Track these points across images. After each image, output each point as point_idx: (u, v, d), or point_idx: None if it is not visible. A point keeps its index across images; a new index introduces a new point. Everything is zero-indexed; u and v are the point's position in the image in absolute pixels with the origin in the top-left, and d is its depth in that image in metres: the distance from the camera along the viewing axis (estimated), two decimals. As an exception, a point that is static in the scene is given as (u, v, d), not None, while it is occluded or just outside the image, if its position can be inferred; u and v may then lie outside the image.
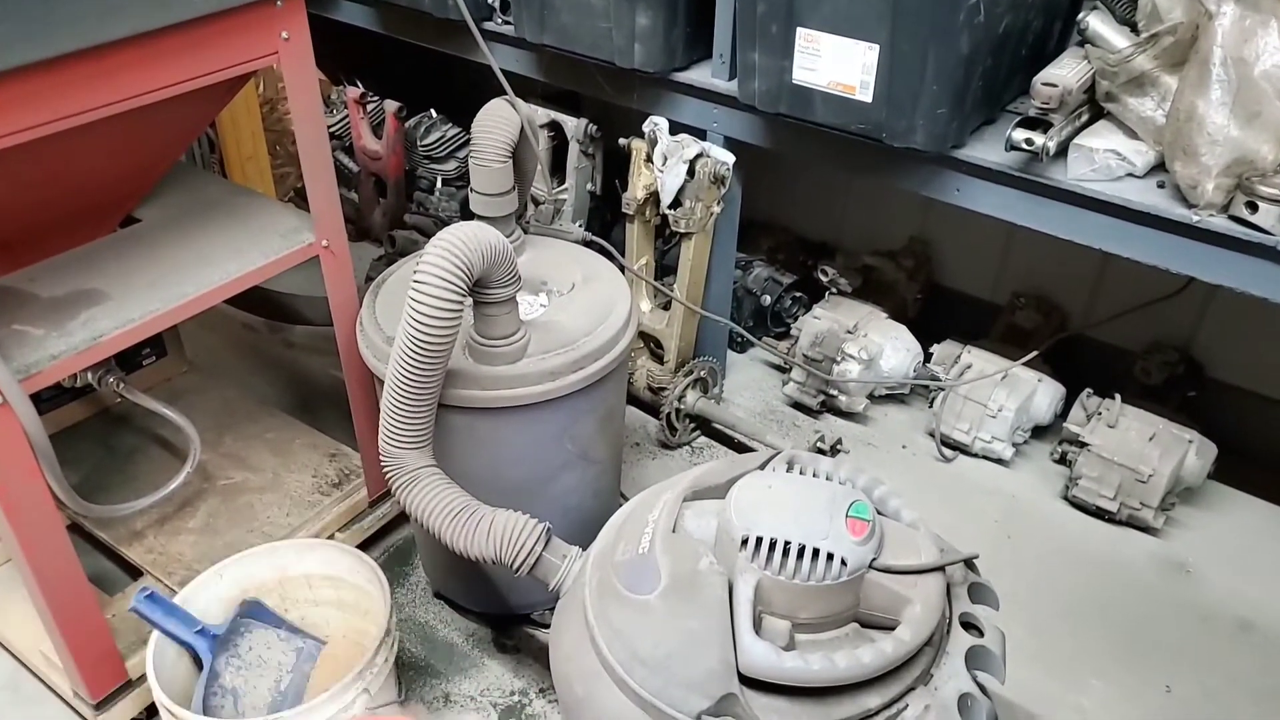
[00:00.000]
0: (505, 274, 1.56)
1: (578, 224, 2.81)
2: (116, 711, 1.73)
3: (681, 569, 1.36)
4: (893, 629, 1.30)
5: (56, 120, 1.33)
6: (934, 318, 2.72)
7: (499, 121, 1.84)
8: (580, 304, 1.81)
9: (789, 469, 1.46)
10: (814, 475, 1.45)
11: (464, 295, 1.48)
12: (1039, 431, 2.54)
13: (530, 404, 1.66)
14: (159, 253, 1.74)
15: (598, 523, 1.56)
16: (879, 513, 1.43)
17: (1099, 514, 2.33)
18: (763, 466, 1.48)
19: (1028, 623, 2.08)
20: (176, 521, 2.02)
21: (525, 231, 2.01)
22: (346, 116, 3.38)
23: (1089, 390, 2.40)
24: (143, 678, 1.67)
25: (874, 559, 1.33)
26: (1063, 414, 2.44)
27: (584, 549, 1.54)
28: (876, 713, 1.29)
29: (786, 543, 1.30)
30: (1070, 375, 2.48)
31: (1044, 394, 2.46)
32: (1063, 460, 2.45)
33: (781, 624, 1.31)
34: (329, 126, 3.41)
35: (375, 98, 3.30)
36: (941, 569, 1.38)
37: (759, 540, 1.31)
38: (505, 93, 1.91)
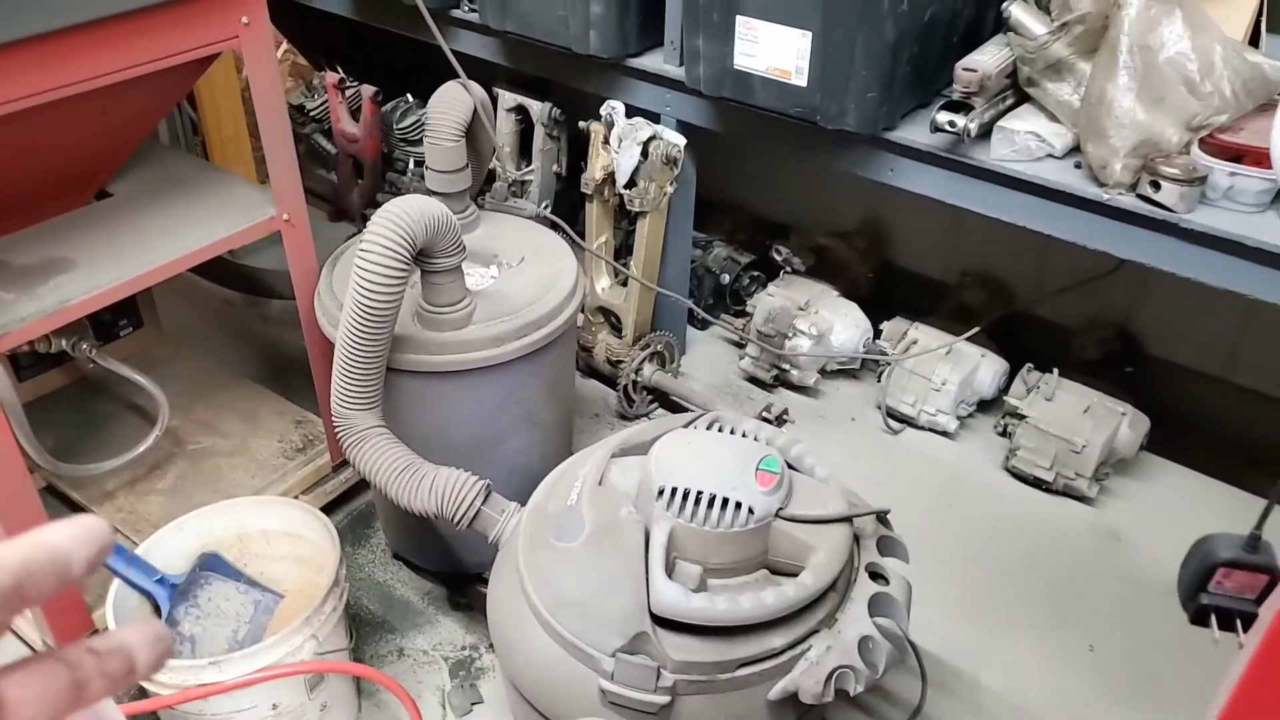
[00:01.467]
0: (449, 244, 1.66)
1: (544, 205, 2.90)
2: (86, 658, 1.83)
3: (604, 518, 1.47)
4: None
5: (22, 98, 1.43)
6: (886, 296, 2.82)
7: (452, 103, 1.93)
8: (528, 276, 1.91)
9: (710, 427, 1.56)
10: (732, 433, 1.55)
11: (407, 263, 1.58)
12: (984, 406, 2.64)
13: (476, 369, 1.76)
14: (127, 224, 1.84)
15: (543, 483, 1.66)
16: (792, 468, 1.53)
17: (1037, 484, 2.43)
18: (687, 425, 1.58)
19: (962, 583, 2.19)
20: (146, 483, 2.12)
21: (480, 208, 2.10)
22: (326, 100, 3.46)
23: (1029, 365, 2.49)
24: (108, 628, 1.77)
25: (781, 509, 1.43)
26: (1006, 389, 2.54)
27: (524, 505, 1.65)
28: (781, 652, 1.39)
29: (699, 493, 1.40)
30: (1013, 351, 2.58)
31: (987, 369, 2.55)
32: (1004, 433, 2.55)
33: (693, 568, 1.41)
34: (310, 110, 3.51)
35: (354, 83, 3.38)
36: (848, 520, 1.48)
37: (674, 490, 1.41)
38: (462, 75, 2.00)
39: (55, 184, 1.82)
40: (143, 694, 1.62)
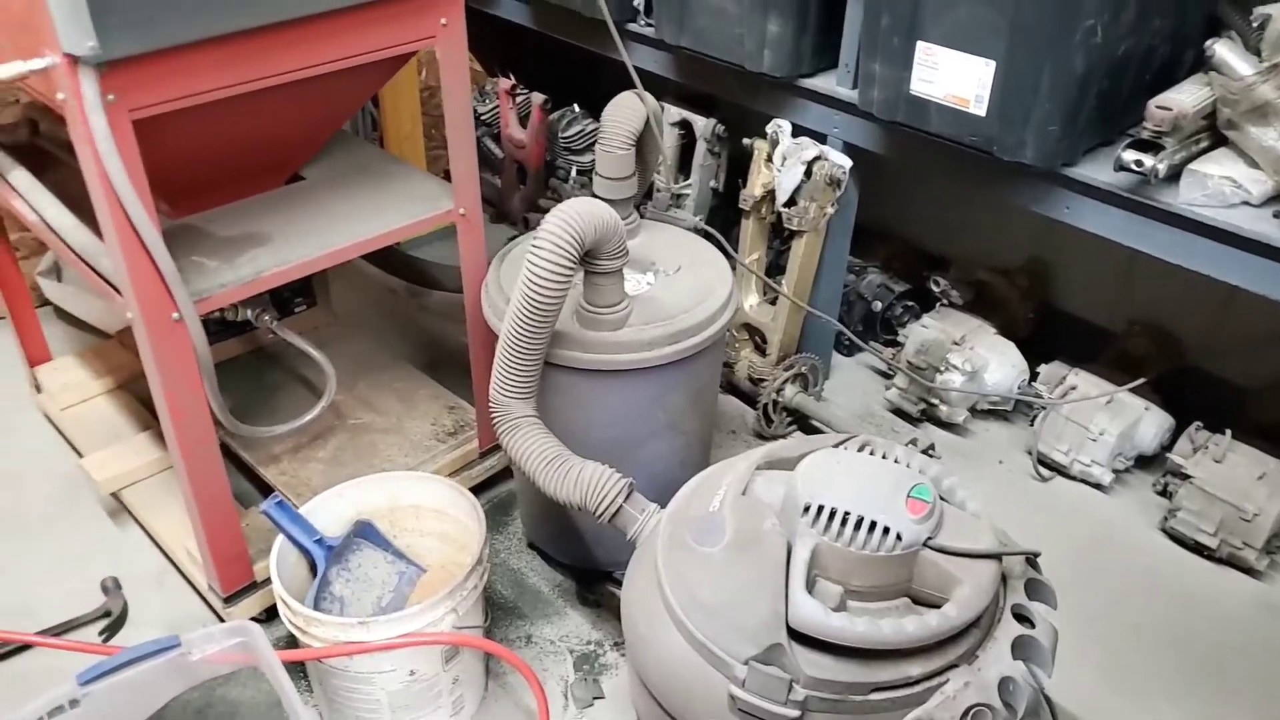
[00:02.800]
0: (614, 248, 1.70)
1: (698, 217, 2.93)
2: (242, 607, 1.96)
3: (746, 527, 1.47)
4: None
5: (252, 81, 1.56)
6: (1045, 338, 2.72)
7: (626, 112, 1.98)
8: (683, 284, 1.94)
9: (861, 449, 1.55)
10: (884, 458, 1.53)
11: (575, 262, 1.63)
12: (1143, 462, 2.51)
13: (627, 369, 1.80)
14: (317, 207, 1.96)
15: (680, 490, 1.68)
16: (944, 500, 1.50)
17: (1197, 549, 2.29)
18: (837, 445, 1.57)
19: (1106, 644, 2.08)
20: (308, 451, 2.25)
21: (642, 216, 2.15)
22: (497, 106, 3.61)
23: (1198, 424, 2.36)
24: (267, 581, 1.88)
25: (930, 538, 1.40)
26: (1169, 446, 2.41)
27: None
28: (917, 681, 1.36)
29: (846, 513, 1.39)
30: (1181, 407, 2.44)
31: (1150, 423, 2.43)
32: (1164, 493, 2.41)
33: (834, 588, 1.40)
34: (481, 114, 3.66)
35: (524, 90, 3.52)
36: (997, 557, 1.44)
37: (820, 508, 1.40)
38: (639, 85, 2.06)
39: (258, 166, 1.96)
40: (294, 644, 1.73)
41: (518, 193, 3.67)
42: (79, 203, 1.85)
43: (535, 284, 1.62)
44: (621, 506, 1.64)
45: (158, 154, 1.54)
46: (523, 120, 3.55)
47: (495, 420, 1.77)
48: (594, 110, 3.55)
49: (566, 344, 1.80)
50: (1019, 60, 1.81)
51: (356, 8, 1.63)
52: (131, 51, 1.40)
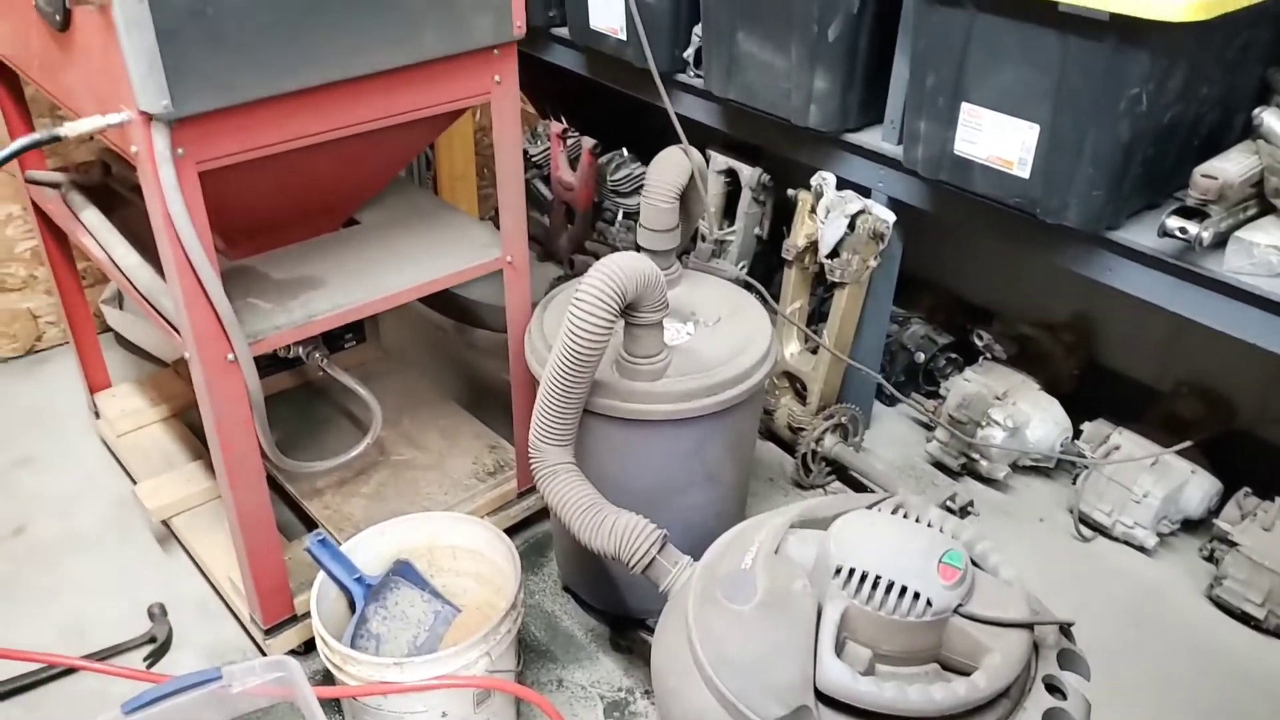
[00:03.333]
0: (654, 301, 1.74)
1: (740, 265, 2.97)
2: (282, 639, 2.01)
3: (777, 587, 1.48)
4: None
5: (314, 135, 1.63)
6: (1089, 395, 2.69)
7: (672, 167, 2.03)
8: (723, 336, 1.96)
9: (894, 512, 1.55)
10: (917, 521, 1.53)
11: (615, 315, 1.67)
12: (1189, 526, 2.46)
13: (665, 420, 1.82)
14: (371, 251, 2.03)
15: (714, 541, 1.70)
16: (976, 565, 1.50)
17: (1244, 619, 2.24)
18: (871, 506, 1.58)
19: (1144, 713, 2.04)
20: (352, 485, 2.31)
21: (684, 266, 2.18)
22: (548, 148, 3.68)
23: (1247, 490, 2.32)
24: (307, 614, 1.93)
25: (960, 605, 1.40)
26: (1216, 511, 2.37)
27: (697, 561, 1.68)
28: (944, 751, 1.35)
29: (877, 577, 1.40)
30: (1229, 472, 2.40)
31: (1197, 486, 2.39)
32: (1210, 558, 2.37)
33: (863, 651, 1.40)
34: (532, 156, 3.73)
35: (575, 133, 3.59)
36: (1029, 626, 1.43)
37: (851, 571, 1.41)
38: (684, 140, 2.10)
39: (315, 211, 2.03)
40: (331, 679, 1.76)
41: (565, 232, 3.73)
42: (143, 241, 1.93)
43: (576, 335, 1.66)
44: (654, 558, 1.66)
45: (220, 200, 1.61)
46: (572, 163, 3.61)
47: (533, 466, 1.80)
48: (642, 154, 3.60)
49: (606, 393, 1.83)
50: (1063, 125, 1.82)
51: (415, 66, 1.69)
52: (201, 109, 1.47)
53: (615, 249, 3.36)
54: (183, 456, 2.50)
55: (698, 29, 2.65)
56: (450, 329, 3.24)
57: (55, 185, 2.23)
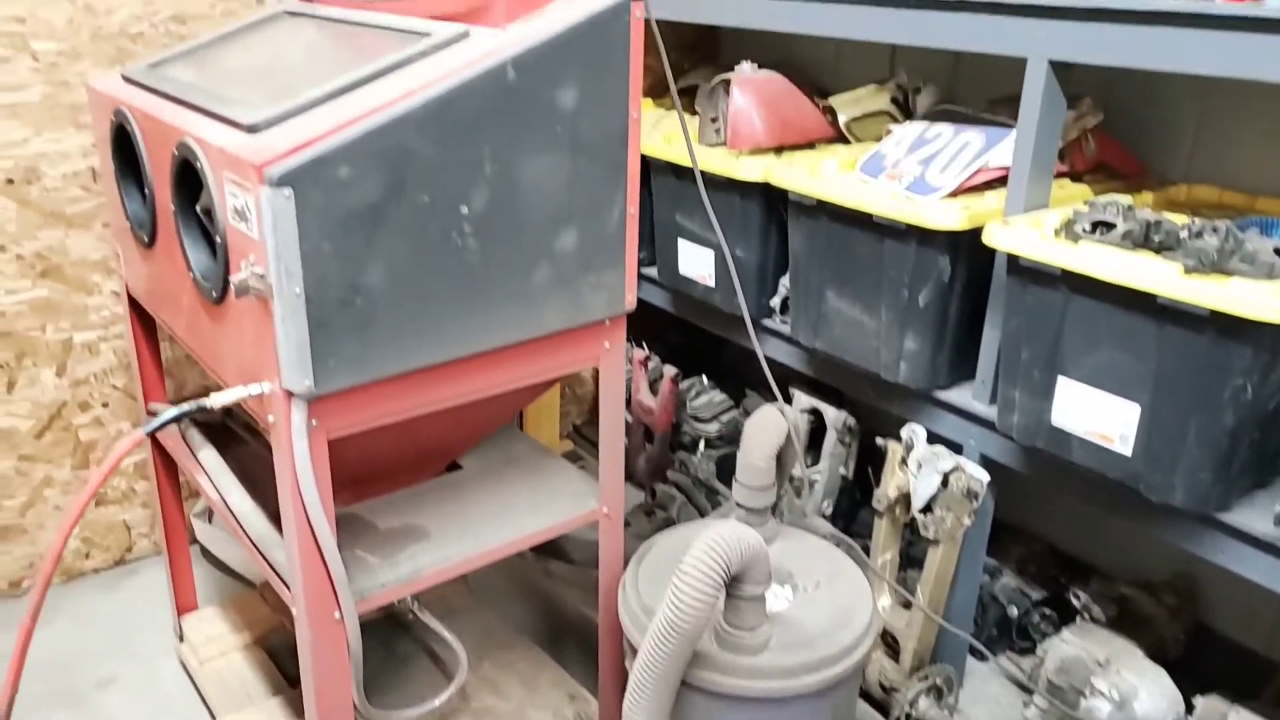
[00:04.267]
0: (759, 574, 1.73)
1: (825, 503, 2.96)
2: None
3: None
4: None
5: (442, 401, 1.72)
6: (1200, 663, 2.56)
7: (768, 427, 2.07)
8: (823, 603, 1.93)
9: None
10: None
11: (720, 589, 1.66)
12: (1319, 818, 2.27)
13: (765, 698, 1.78)
14: (473, 500, 2.08)
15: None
16: None
17: None
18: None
19: None
20: (433, 734, 2.26)
21: (779, 521, 2.18)
22: (630, 372, 3.80)
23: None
24: None
25: None
26: (1349, 805, 2.18)
27: None
28: None
29: None
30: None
31: (1325, 777, 2.22)
32: None
33: None
34: (614, 380, 3.84)
35: (656, 359, 3.70)
36: None
37: None
38: (773, 381, 2.15)
39: (425, 458, 2.11)
40: None
41: (642, 453, 3.78)
42: (254, 479, 2.01)
43: (680, 610, 1.65)
44: None
45: (337, 456, 1.68)
46: (653, 386, 3.71)
47: (628, 739, 1.75)
48: (721, 382, 3.69)
49: (704, 664, 1.79)
50: (1164, 408, 1.83)
51: (535, 340, 1.79)
52: (339, 387, 1.56)
53: (698, 480, 3.38)
54: (262, 689, 2.48)
55: (784, 279, 2.77)
56: (529, 556, 3.24)
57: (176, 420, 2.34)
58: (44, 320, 2.87)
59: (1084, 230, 1.98)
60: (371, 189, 1.48)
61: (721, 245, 2.37)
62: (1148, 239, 1.92)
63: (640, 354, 3.72)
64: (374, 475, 2.04)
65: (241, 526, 1.94)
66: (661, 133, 2.98)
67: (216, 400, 1.59)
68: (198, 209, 1.68)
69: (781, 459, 2.15)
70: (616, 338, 1.95)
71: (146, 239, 1.96)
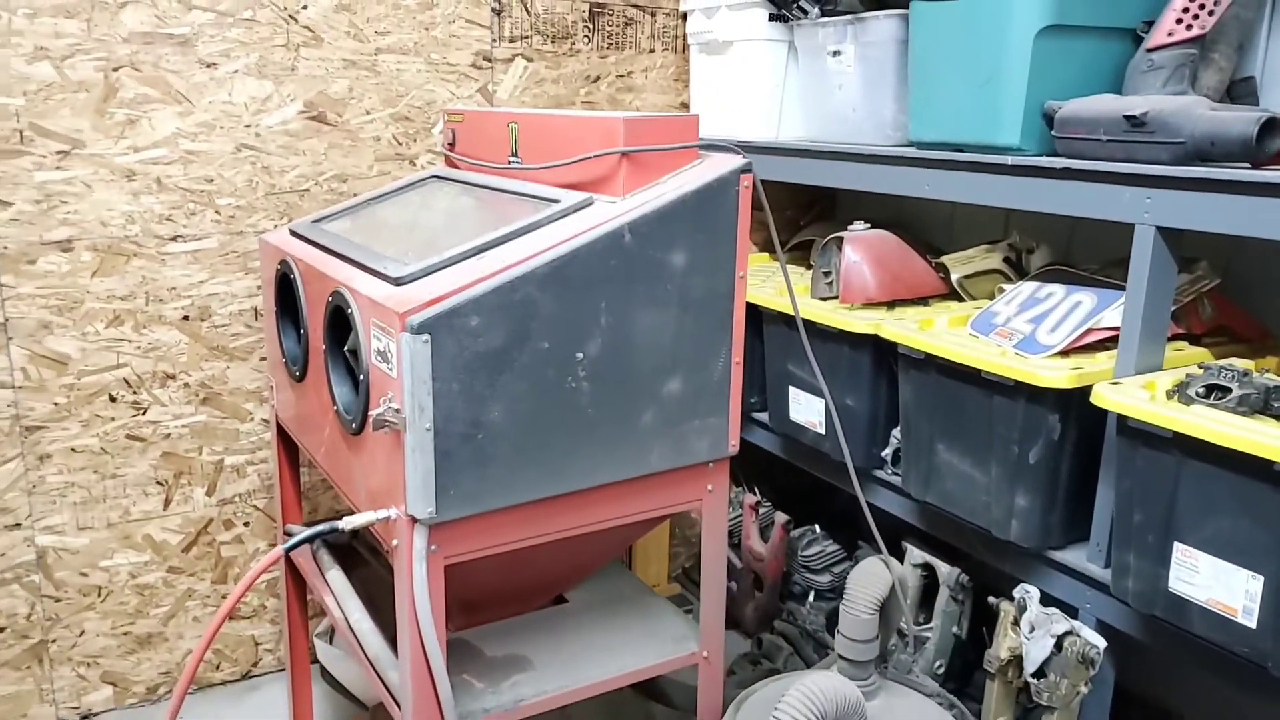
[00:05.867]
0: (855, 728, 1.72)
1: (937, 664, 2.87)
2: None
3: None
4: None
5: (551, 533, 1.82)
6: None
7: (873, 579, 2.08)
8: (924, 767, 1.89)
9: None
10: None
11: (814, 741, 1.66)
12: None
13: None
14: (576, 635, 2.14)
15: None
16: None
17: None
18: None
19: None
20: None
21: (883, 676, 2.15)
22: (740, 516, 3.82)
23: None
24: None
25: None
26: None
27: None
28: None
29: None
30: None
31: None
32: None
33: None
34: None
35: (768, 505, 3.72)
36: None
37: None
38: (876, 530, 2.17)
39: (535, 590, 2.20)
40: None
41: (751, 601, 3.75)
42: (376, 604, 2.13)
43: (773, 759, 1.65)
44: None
45: (452, 583, 1.79)
46: (764, 533, 3.72)
47: None
48: (834, 532, 3.67)
49: (797, 819, 1.77)
50: (1290, 580, 1.76)
51: (640, 479, 1.88)
52: (457, 516, 1.68)
53: (806, 631, 3.34)
54: (367, 814, 2.54)
55: (896, 431, 2.80)
56: (629, 695, 3.24)
57: (309, 542, 2.52)
58: (201, 443, 3.14)
59: (1197, 394, 1.97)
60: (497, 336, 1.64)
61: (824, 392, 2.44)
62: (1267, 405, 1.90)
63: (751, 499, 3.75)
64: (485, 602, 2.14)
65: (360, 645, 2.06)
66: (775, 285, 3.11)
67: (348, 523, 1.73)
68: (345, 350, 1.88)
69: (887, 613, 2.14)
70: (719, 480, 2.02)
71: (298, 374, 2.18)
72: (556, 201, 1.86)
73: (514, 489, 1.73)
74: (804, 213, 3.93)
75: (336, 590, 2.26)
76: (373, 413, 1.65)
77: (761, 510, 3.75)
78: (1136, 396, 2.00)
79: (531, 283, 1.65)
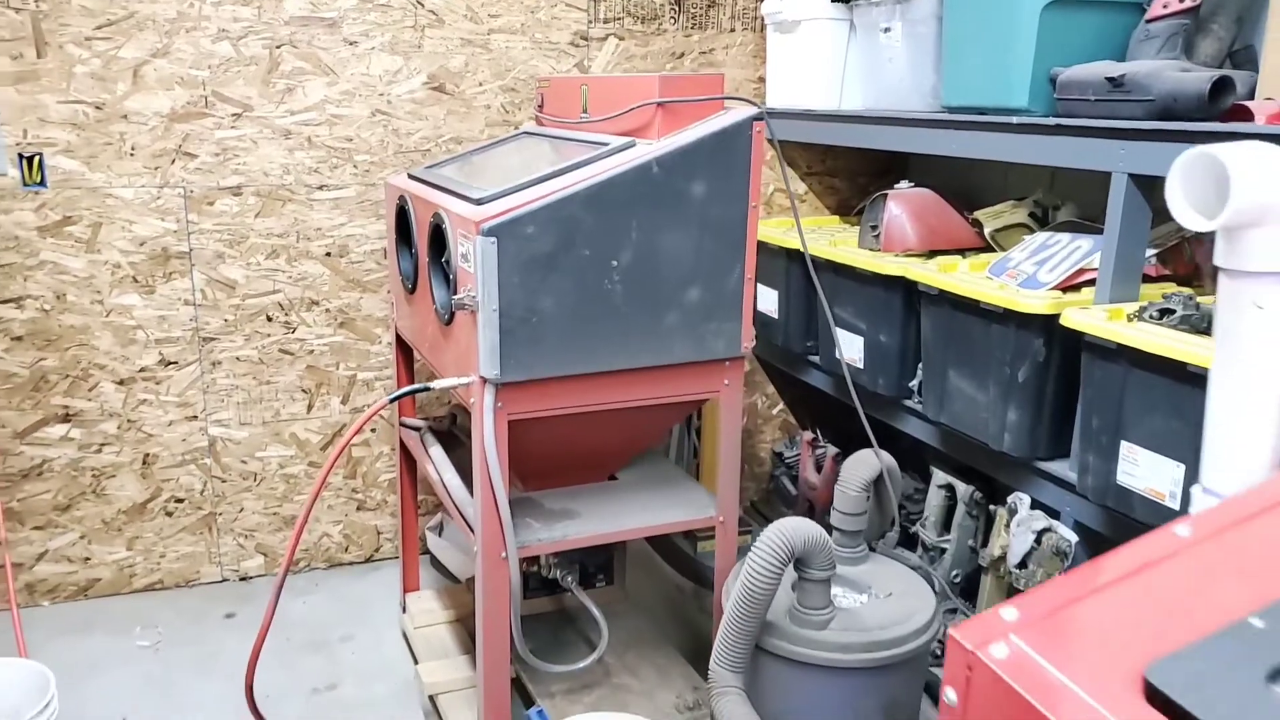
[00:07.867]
0: (822, 560, 2.15)
1: (954, 574, 3.24)
2: (494, 805, 2.45)
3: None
4: None
5: (588, 405, 2.32)
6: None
7: (861, 464, 2.49)
8: (889, 607, 2.30)
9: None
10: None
11: (784, 563, 2.10)
12: None
13: (824, 665, 2.17)
14: (620, 499, 2.64)
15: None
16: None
17: None
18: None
19: None
20: (576, 695, 2.77)
21: (872, 550, 2.56)
22: (799, 452, 4.24)
23: None
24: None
25: None
26: None
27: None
28: None
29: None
30: None
31: None
32: None
33: None
34: (787, 458, 4.30)
35: (824, 443, 4.13)
36: None
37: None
38: (874, 444, 2.58)
39: (585, 465, 2.71)
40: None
41: (809, 529, 4.17)
42: (465, 471, 2.68)
43: (751, 576, 2.10)
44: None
45: (520, 448, 2.31)
46: (818, 466, 4.13)
47: (710, 684, 2.20)
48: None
49: (778, 634, 2.22)
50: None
51: (665, 366, 2.36)
52: (516, 379, 2.21)
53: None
54: (456, 649, 3.12)
55: (921, 364, 3.17)
56: (688, 590, 3.72)
57: (417, 429, 3.11)
58: (338, 360, 3.79)
59: (1151, 317, 2.30)
60: (548, 243, 2.15)
61: (828, 322, 2.84)
62: (1209, 327, 2.22)
63: (808, 436, 4.17)
64: (549, 471, 2.66)
65: (450, 495, 2.61)
66: (828, 239, 3.51)
67: (438, 384, 2.28)
68: (442, 261, 2.43)
69: (880, 498, 2.55)
70: (735, 376, 2.47)
71: (410, 286, 2.76)
72: (606, 144, 2.35)
73: (561, 363, 2.23)
74: (877, 179, 4.29)
75: (436, 461, 2.83)
76: (454, 299, 2.18)
77: (818, 449, 4.16)
78: (1095, 317, 2.34)
79: (575, 203, 2.15)
